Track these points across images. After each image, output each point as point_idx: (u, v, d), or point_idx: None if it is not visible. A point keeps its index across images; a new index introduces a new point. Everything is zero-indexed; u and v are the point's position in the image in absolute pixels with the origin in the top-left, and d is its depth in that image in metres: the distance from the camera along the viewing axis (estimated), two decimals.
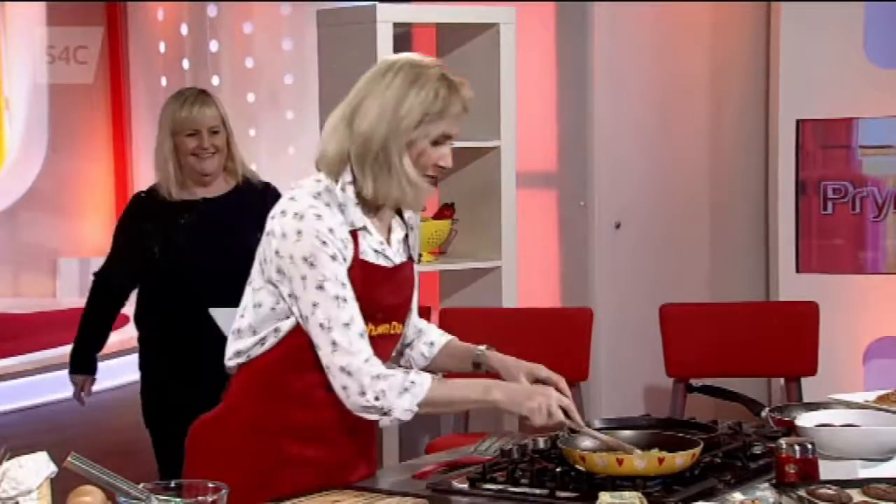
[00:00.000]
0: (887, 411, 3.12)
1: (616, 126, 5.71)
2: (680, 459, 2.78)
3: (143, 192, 4.49)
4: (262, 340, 2.90)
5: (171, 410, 4.29)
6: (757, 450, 3.02)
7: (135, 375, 4.53)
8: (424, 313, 3.21)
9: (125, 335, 6.04)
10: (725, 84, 5.99)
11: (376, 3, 5.02)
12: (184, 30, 10.84)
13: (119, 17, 11.46)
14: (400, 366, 3.06)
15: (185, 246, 4.33)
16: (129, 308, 4.53)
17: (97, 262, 4.60)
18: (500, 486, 2.85)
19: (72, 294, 11.05)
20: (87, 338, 4.54)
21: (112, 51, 11.58)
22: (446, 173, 2.97)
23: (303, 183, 2.90)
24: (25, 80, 11.66)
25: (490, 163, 5.15)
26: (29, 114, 11.68)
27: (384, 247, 2.93)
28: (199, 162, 4.35)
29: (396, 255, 2.97)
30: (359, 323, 2.82)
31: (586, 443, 2.90)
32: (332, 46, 5.12)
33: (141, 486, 2.40)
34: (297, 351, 2.86)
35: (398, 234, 3.00)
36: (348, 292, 2.81)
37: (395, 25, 4.96)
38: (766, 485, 2.78)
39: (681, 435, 2.96)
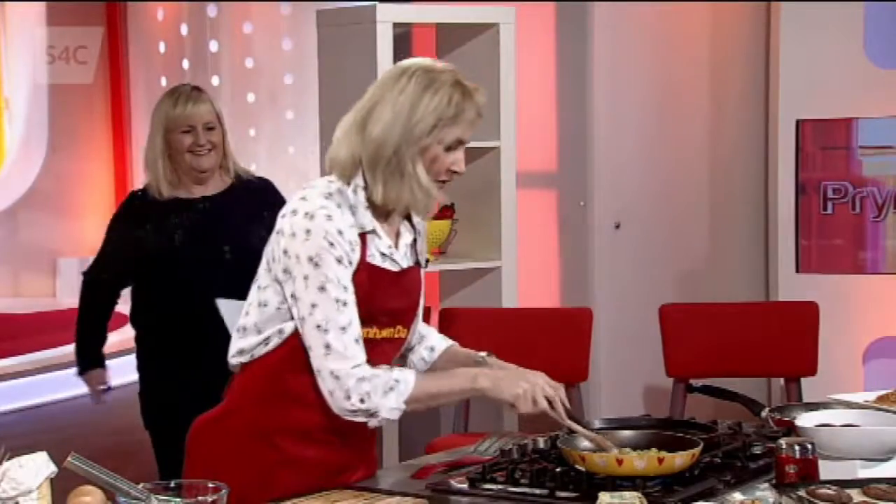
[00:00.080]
0: (887, 411, 3.11)
1: (616, 126, 5.71)
2: (680, 459, 2.78)
3: (138, 190, 4.43)
4: (266, 340, 2.89)
5: (168, 410, 4.27)
6: (757, 450, 3.02)
7: (134, 375, 4.51)
8: (425, 313, 3.20)
9: (124, 335, 6.02)
10: (725, 84, 5.99)
11: (376, 3, 5.02)
12: (184, 30, 10.84)
13: (119, 17, 11.46)
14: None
15: (184, 244, 4.28)
16: (127, 308, 4.51)
17: None
18: (499, 487, 2.85)
19: (72, 294, 10.91)
20: (86, 336, 4.49)
21: (112, 51, 11.58)
22: None
23: (315, 183, 2.90)
24: (25, 80, 11.66)
25: (490, 163, 5.15)
26: (29, 114, 11.67)
27: (392, 250, 2.92)
28: (195, 159, 4.28)
29: (404, 260, 2.97)
30: (356, 328, 2.81)
31: (586, 443, 2.90)
32: (331, 46, 5.12)
33: (141, 486, 2.40)
34: (299, 352, 2.85)
35: (406, 238, 3.00)
36: (349, 296, 2.81)
37: (395, 25, 4.96)
38: (766, 485, 2.78)
39: (680, 435, 2.96)
